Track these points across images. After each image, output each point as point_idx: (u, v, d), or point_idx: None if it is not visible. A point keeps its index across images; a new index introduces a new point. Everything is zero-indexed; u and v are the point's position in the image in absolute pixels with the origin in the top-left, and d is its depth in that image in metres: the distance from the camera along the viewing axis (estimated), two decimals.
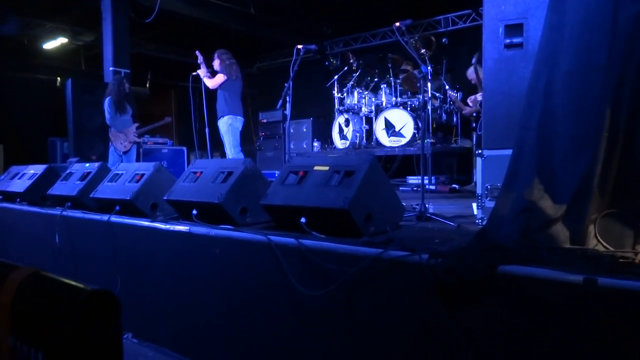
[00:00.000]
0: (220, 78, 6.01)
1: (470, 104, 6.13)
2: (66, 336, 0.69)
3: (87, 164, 4.33)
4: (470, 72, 6.27)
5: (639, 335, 1.45)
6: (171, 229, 2.96)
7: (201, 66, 6.06)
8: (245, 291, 2.56)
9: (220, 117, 6.08)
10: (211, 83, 6.01)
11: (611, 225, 1.87)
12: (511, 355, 1.69)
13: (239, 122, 6.09)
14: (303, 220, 2.43)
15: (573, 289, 1.54)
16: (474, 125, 6.04)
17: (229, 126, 6.00)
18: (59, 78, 11.04)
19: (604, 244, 1.84)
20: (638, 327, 1.45)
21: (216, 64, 6.13)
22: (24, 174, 4.88)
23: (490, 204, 2.72)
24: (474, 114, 6.13)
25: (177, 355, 2.90)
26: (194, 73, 5.97)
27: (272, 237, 2.39)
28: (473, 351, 1.75)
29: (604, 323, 1.50)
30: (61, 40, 10.08)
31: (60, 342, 0.71)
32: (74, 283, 0.77)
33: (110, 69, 7.71)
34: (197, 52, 6.10)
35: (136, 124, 6.71)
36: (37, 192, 4.48)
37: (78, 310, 0.69)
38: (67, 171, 4.39)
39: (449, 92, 7.29)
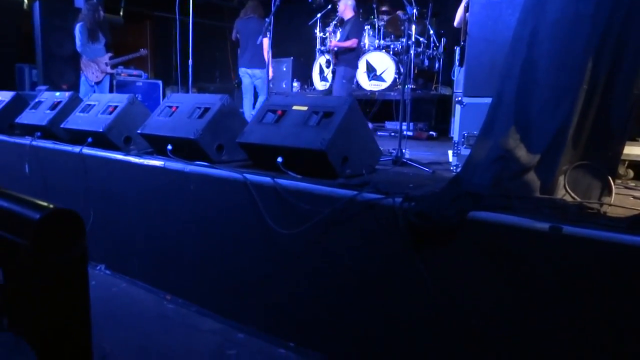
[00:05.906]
0: None
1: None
2: (28, 253, 0.68)
3: (58, 93, 4.16)
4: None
5: (599, 281, 1.52)
6: (145, 163, 2.92)
7: None
8: (219, 228, 2.58)
9: None
10: None
11: (580, 177, 1.92)
12: (474, 297, 1.76)
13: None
14: (280, 159, 2.42)
15: (539, 236, 1.60)
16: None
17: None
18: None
19: (572, 194, 1.90)
20: (599, 273, 1.52)
21: None
22: None
23: (466, 151, 2.75)
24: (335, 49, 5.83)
25: (149, 287, 2.94)
26: None
27: (248, 176, 2.39)
28: (438, 291, 1.82)
29: (568, 269, 1.57)
30: None
31: (22, 260, 0.70)
32: (37, 201, 0.76)
33: None
34: None
35: (109, 54, 6.44)
36: (5, 120, 4.32)
37: (40, 227, 0.68)
38: (36, 99, 4.22)
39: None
